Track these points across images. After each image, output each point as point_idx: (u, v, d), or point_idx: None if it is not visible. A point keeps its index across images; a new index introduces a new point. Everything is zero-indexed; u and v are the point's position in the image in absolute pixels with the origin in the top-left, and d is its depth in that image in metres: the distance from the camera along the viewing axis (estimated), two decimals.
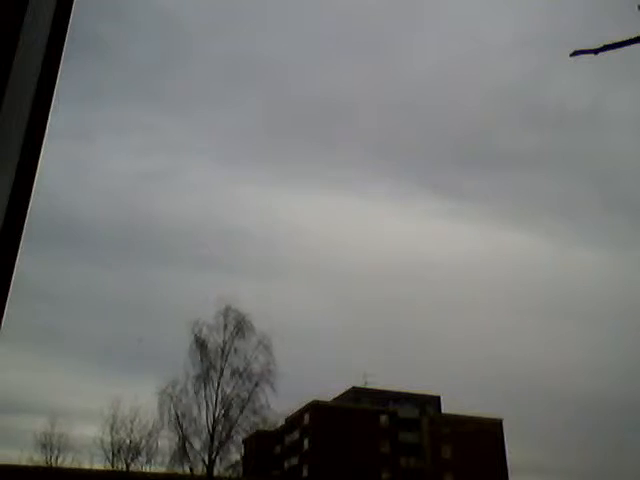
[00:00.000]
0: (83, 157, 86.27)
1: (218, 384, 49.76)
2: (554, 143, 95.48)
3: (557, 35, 67.67)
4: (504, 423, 77.77)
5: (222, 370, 50.17)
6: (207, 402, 49.42)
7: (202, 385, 49.63)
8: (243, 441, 55.37)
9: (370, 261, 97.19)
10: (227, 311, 51.21)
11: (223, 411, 49.40)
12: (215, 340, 50.84)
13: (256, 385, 49.49)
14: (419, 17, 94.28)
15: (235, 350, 50.71)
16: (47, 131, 1.61)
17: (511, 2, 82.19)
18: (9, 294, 1.49)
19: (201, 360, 50.01)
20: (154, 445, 53.62)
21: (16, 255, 1.50)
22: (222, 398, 49.65)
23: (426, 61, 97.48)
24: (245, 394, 49.75)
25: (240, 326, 51.05)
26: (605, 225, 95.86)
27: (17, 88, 1.48)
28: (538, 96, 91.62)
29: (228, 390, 49.94)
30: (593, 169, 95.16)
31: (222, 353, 50.51)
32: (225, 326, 51.04)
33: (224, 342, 50.70)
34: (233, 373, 50.23)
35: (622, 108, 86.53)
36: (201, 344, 50.39)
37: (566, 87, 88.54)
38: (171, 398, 49.05)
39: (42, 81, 1.63)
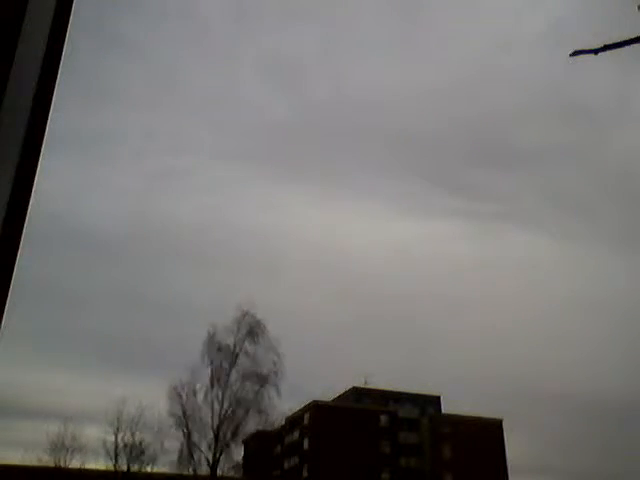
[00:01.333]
0: (96, 159, 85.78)
1: (226, 385, 50.29)
2: (573, 141, 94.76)
3: (561, 32, 67.52)
4: (504, 423, 77.96)
5: (230, 371, 50.77)
6: (214, 402, 49.89)
7: (211, 386, 50.22)
8: (243, 441, 55.55)
9: (371, 261, 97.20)
10: (243, 315, 52.02)
11: (229, 412, 49.88)
12: (227, 342, 51.57)
13: (262, 386, 50.05)
14: (438, 10, 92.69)
15: (246, 352, 51.41)
16: (47, 131, 1.62)
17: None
18: (9, 294, 1.49)
19: (211, 361, 50.70)
20: (159, 445, 53.74)
21: (16, 255, 1.50)
22: (229, 399, 50.17)
23: (447, 56, 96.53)
24: (251, 395, 50.30)
25: (253, 330, 51.74)
26: (624, 225, 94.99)
27: (17, 88, 1.48)
28: (558, 93, 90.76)
29: (237, 392, 50.52)
30: (609, 167, 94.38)
31: (233, 355, 51.16)
32: (238, 329, 51.79)
33: (234, 344, 51.41)
34: (242, 375, 50.83)
35: None
36: (216, 346, 51.07)
37: (584, 84, 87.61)
38: (180, 397, 49.59)
39: (42, 80, 1.63)
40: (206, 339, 51.23)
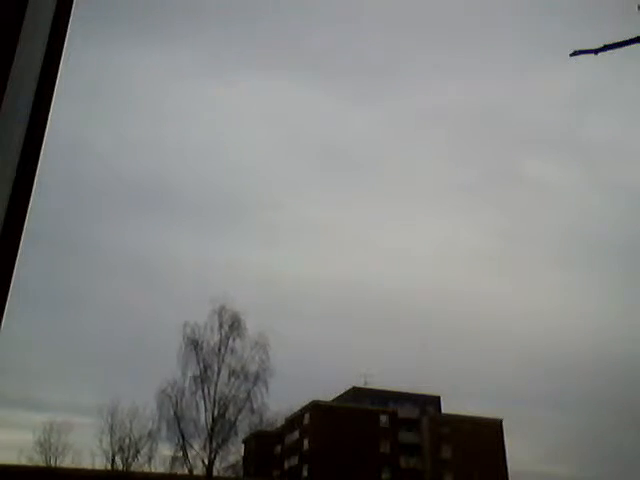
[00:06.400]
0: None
1: (215, 384, 49.77)
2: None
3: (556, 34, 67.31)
4: (504, 423, 77.97)
5: (219, 370, 50.19)
6: (205, 402, 49.45)
7: (200, 386, 49.66)
8: (243, 441, 55.39)
9: (372, 260, 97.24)
10: (222, 311, 51.18)
11: (221, 411, 49.40)
12: (210, 340, 50.83)
13: (254, 384, 49.57)
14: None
15: (231, 350, 50.77)
16: (47, 131, 1.62)
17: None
18: (9, 294, 1.49)
19: (197, 361, 49.97)
20: (154, 445, 53.56)
21: (16, 255, 1.50)
22: (220, 398, 49.69)
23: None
24: (243, 394, 49.82)
25: (235, 326, 51.05)
26: None
27: (17, 88, 1.48)
28: None
29: (226, 390, 49.97)
30: None
31: (218, 353, 50.52)
32: (220, 326, 51.02)
33: (220, 342, 50.72)
34: (230, 373, 50.26)
35: None
36: (194, 345, 50.29)
37: None
38: (170, 399, 49.09)
39: (42, 80, 1.63)
40: (185, 337, 50.36)
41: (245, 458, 59.61)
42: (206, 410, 49.23)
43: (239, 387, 50.02)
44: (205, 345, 50.42)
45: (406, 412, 78.24)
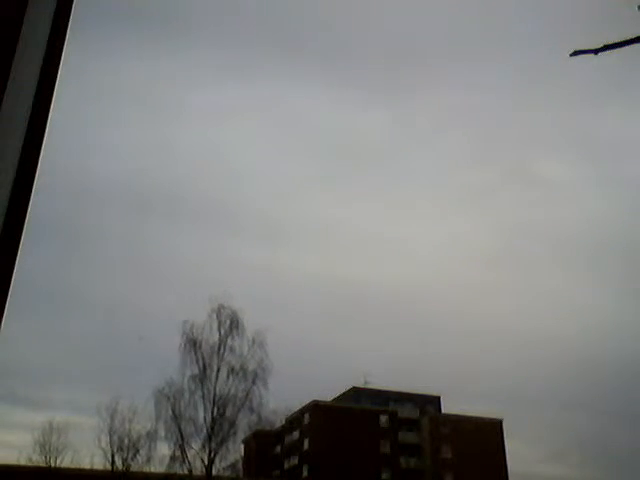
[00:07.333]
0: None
1: (214, 383, 49.67)
2: None
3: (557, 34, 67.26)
4: (504, 423, 77.97)
5: (218, 369, 50.10)
6: (204, 402, 49.36)
7: (199, 385, 49.58)
8: (243, 441, 55.26)
9: (372, 260, 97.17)
10: (220, 309, 51.08)
11: (220, 410, 49.30)
12: (209, 339, 50.75)
13: (253, 383, 49.46)
14: None
15: (230, 349, 50.66)
16: (47, 131, 1.62)
17: None
18: (9, 294, 1.49)
19: (196, 360, 49.89)
20: (153, 445, 53.31)
21: (16, 255, 1.50)
22: (219, 397, 49.58)
23: None
24: (242, 393, 49.67)
25: (234, 324, 50.95)
26: None
27: (17, 88, 1.48)
28: None
29: (225, 389, 49.87)
30: None
31: (218, 352, 50.42)
32: (219, 324, 50.95)
33: (219, 341, 50.63)
34: (229, 372, 50.14)
35: None
36: (193, 343, 50.20)
37: None
38: (168, 398, 48.96)
39: (42, 80, 1.63)
40: (184, 335, 50.26)
41: (245, 458, 59.53)
42: (205, 409, 49.15)
43: (238, 386, 49.94)
44: (204, 344, 50.41)
45: (406, 412, 78.23)
